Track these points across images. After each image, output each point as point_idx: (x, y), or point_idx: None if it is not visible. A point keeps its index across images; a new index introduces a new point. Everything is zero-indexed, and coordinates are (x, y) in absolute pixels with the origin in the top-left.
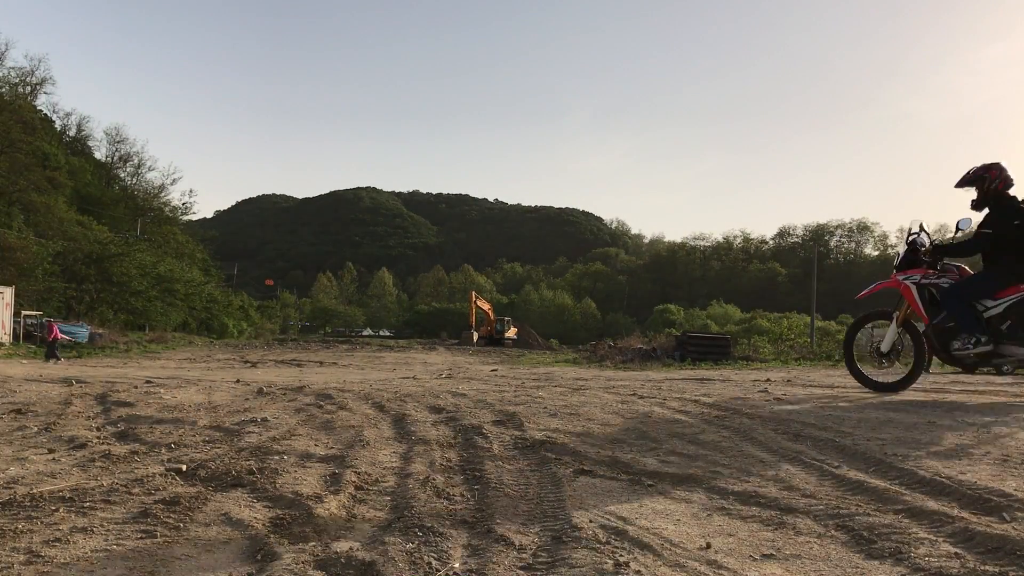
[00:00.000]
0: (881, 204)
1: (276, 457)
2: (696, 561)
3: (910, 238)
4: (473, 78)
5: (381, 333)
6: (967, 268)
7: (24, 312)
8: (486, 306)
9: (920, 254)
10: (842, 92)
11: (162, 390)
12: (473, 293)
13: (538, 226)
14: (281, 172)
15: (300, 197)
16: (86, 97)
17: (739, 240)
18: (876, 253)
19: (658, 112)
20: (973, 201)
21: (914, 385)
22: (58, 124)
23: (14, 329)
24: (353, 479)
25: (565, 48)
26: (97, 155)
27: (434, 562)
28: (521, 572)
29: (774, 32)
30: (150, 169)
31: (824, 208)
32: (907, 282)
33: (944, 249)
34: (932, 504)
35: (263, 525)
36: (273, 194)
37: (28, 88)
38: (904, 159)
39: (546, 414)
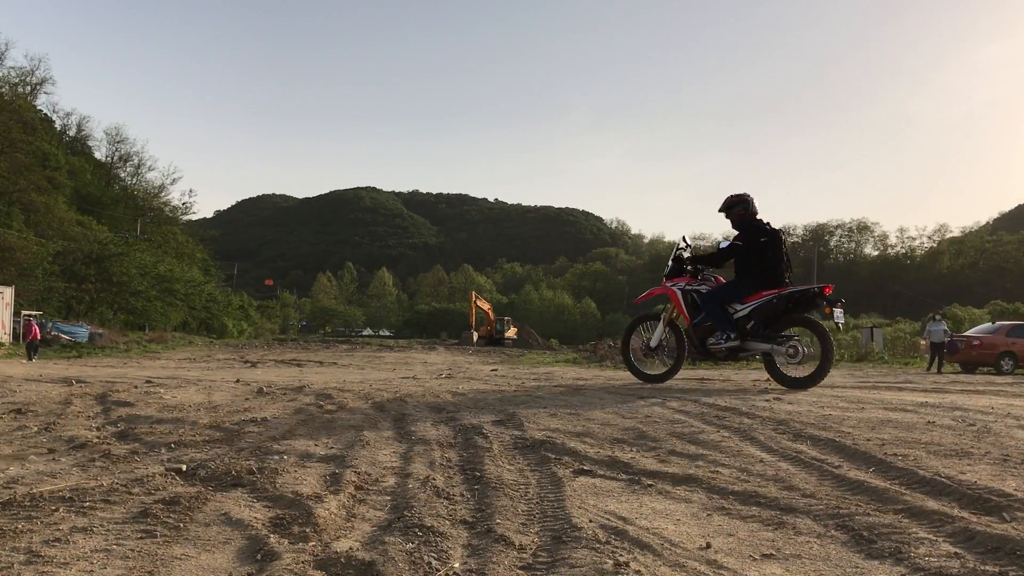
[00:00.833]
0: (881, 204)
1: (276, 457)
2: (696, 561)
3: (676, 252)
4: (473, 78)
5: (381, 333)
6: (722, 278)
7: (24, 312)
8: (486, 306)
9: (684, 265)
10: (842, 92)
11: (162, 390)
12: (473, 293)
13: (538, 226)
14: (281, 172)
15: (300, 197)
16: (86, 97)
17: None
18: (876, 253)
19: (658, 112)
20: (732, 223)
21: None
22: (58, 124)
23: (14, 329)
24: (353, 479)
25: (565, 48)
26: (97, 155)
27: (434, 562)
28: (521, 572)
29: (774, 32)
30: (150, 169)
31: (824, 208)
32: (674, 288)
33: (701, 259)
34: (932, 504)
35: (263, 525)
36: (273, 194)
37: (28, 88)
38: (904, 159)
39: (546, 414)
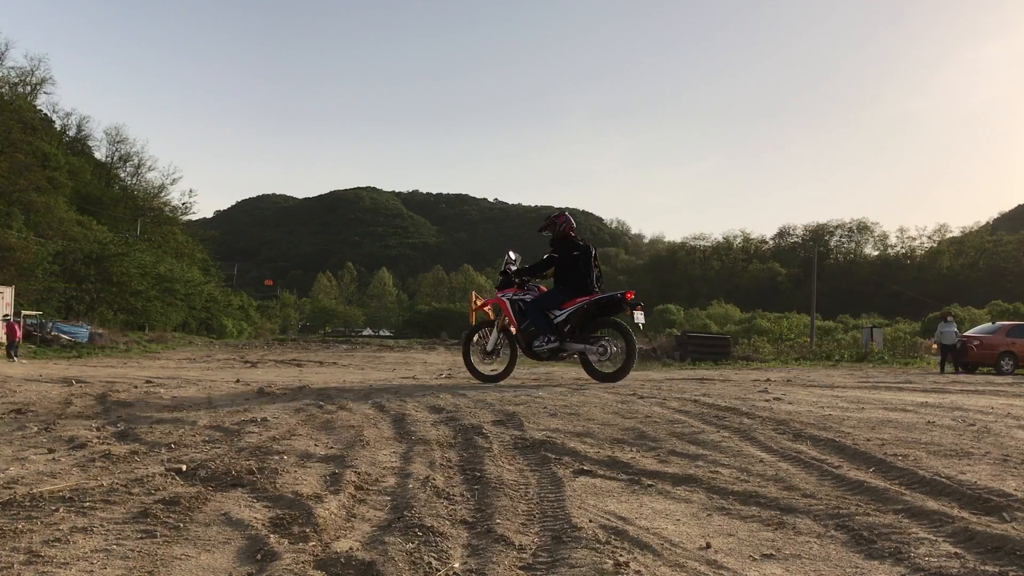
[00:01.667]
0: (881, 204)
1: (276, 457)
2: (696, 561)
3: (504, 266)
4: (473, 78)
5: (381, 333)
6: (544, 288)
7: (24, 312)
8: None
9: (511, 277)
10: (842, 92)
11: (162, 390)
12: (473, 293)
13: (538, 226)
14: (281, 172)
15: (300, 197)
16: (86, 97)
17: (739, 240)
18: (876, 253)
19: (658, 112)
20: (550, 239)
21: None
22: (58, 124)
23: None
24: (353, 479)
25: (564, 48)
26: (97, 155)
27: (434, 562)
28: (521, 572)
29: (774, 32)
30: (150, 169)
31: (824, 208)
32: (503, 298)
33: (524, 271)
34: (932, 504)
35: (263, 525)
36: (273, 194)
37: (28, 88)
38: (904, 159)
39: (546, 414)
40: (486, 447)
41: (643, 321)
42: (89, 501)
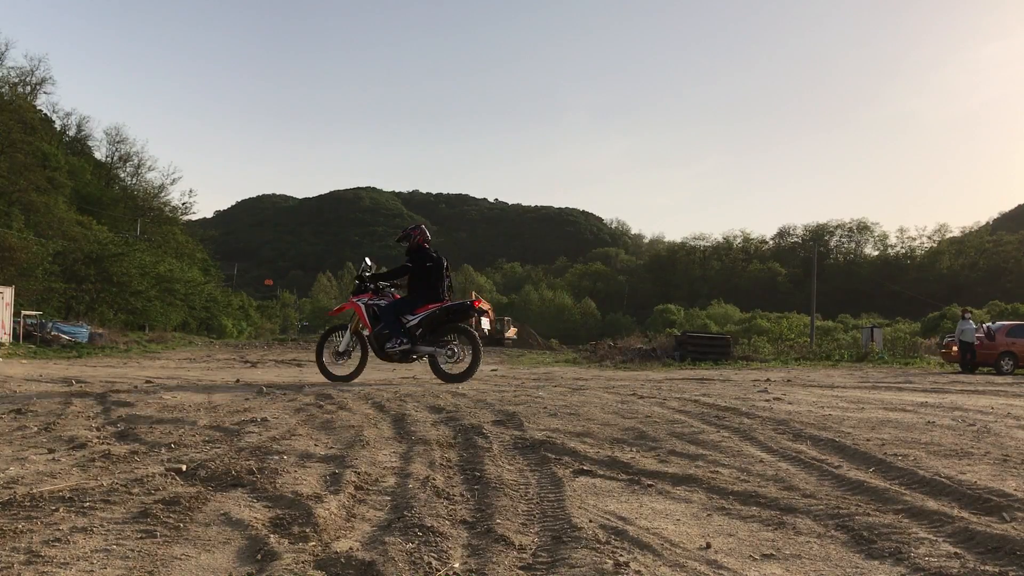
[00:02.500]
0: (881, 204)
1: (276, 457)
2: (696, 561)
3: (360, 273)
4: (472, 78)
5: None
6: (398, 294)
7: (24, 312)
8: (486, 306)
9: (367, 283)
10: (842, 92)
11: (162, 390)
12: (473, 293)
13: (538, 226)
14: (281, 172)
15: (300, 197)
16: (86, 97)
17: (739, 240)
18: (876, 253)
19: (657, 112)
20: (406, 249)
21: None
22: (58, 124)
23: (14, 329)
24: (353, 479)
25: (563, 48)
26: (97, 155)
27: (434, 562)
28: (521, 572)
29: (774, 32)
30: (150, 169)
31: (824, 208)
32: (358, 303)
33: (379, 277)
34: (932, 504)
35: (263, 525)
36: (273, 194)
37: (28, 88)
38: (904, 159)
39: (546, 414)
40: (486, 447)
41: (488, 328)
42: (89, 501)
